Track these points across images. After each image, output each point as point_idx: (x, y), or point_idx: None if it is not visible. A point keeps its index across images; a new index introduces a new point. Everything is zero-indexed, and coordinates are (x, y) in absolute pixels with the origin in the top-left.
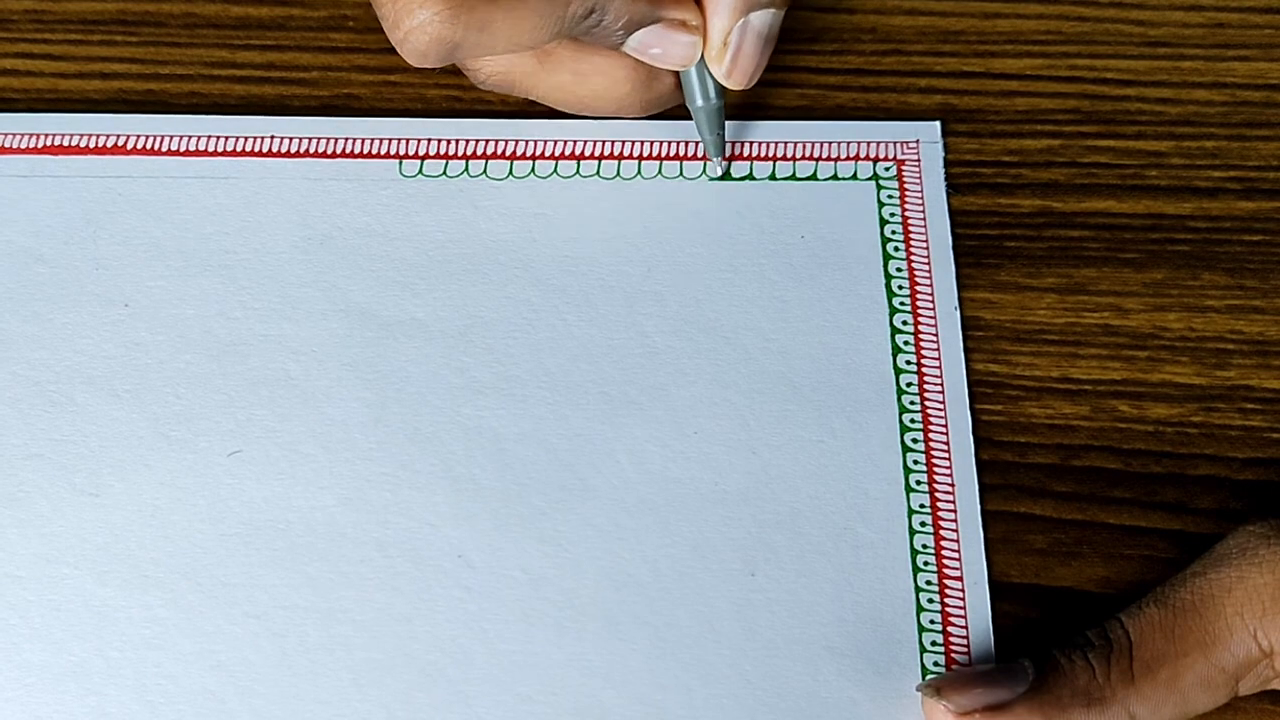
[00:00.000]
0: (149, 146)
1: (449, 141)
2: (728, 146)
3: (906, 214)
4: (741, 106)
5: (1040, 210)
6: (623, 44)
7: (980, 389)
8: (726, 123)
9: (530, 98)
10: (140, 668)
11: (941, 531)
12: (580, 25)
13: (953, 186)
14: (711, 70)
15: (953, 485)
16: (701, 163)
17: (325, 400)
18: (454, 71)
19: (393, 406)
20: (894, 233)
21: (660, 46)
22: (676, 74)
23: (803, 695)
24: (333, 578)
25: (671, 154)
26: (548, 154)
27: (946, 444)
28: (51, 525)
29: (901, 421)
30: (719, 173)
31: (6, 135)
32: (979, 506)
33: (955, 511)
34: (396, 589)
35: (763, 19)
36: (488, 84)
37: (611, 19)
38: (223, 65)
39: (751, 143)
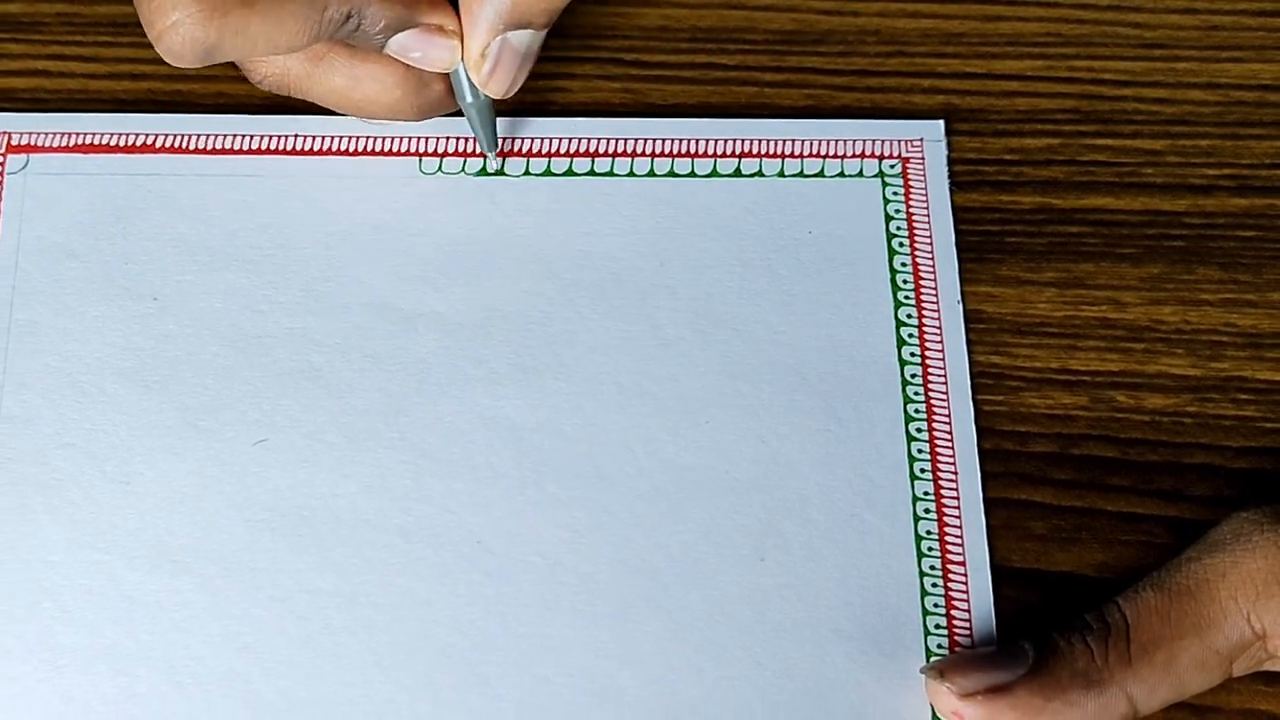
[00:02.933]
0: (177, 145)
1: (467, 140)
2: (506, 143)
3: (911, 210)
4: (751, 106)
5: (1040, 207)
6: (384, 47)
7: (982, 380)
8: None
9: (307, 99)
10: (169, 649)
11: (945, 518)
12: (340, 29)
13: (955, 184)
14: (471, 77)
15: (955, 473)
16: (712, 160)
17: (348, 391)
18: None
19: (413, 397)
20: (899, 229)
21: (420, 50)
22: (447, 78)
23: (810, 676)
24: (356, 563)
25: (683, 151)
26: (562, 151)
27: (949, 433)
28: (83, 512)
29: (906, 411)
30: (495, 167)
31: (39, 134)
32: (981, 494)
33: (958, 498)
34: (417, 574)
35: (520, 38)
36: (264, 85)
37: (369, 23)
38: None
39: (761, 140)
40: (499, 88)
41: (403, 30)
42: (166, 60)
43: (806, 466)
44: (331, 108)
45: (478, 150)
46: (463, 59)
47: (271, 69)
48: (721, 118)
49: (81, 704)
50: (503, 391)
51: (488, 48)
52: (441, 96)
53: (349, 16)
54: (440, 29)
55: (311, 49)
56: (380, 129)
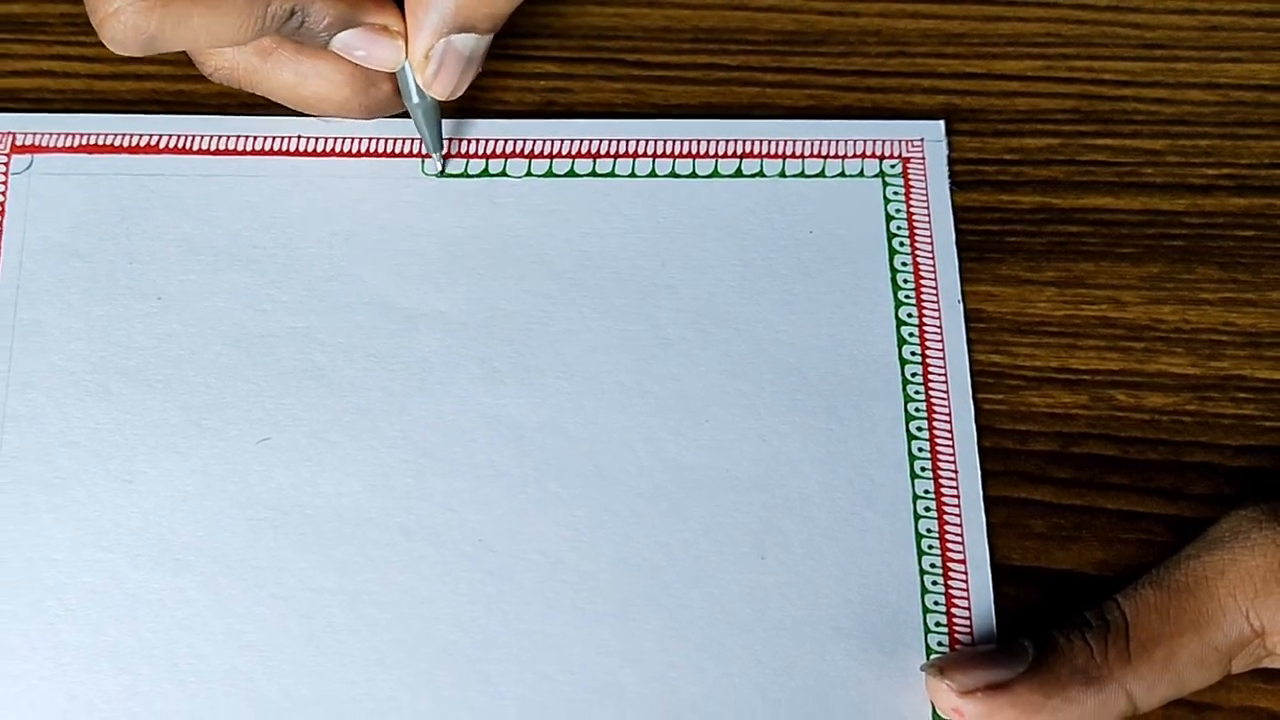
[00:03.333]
0: (181, 146)
1: (469, 141)
2: (448, 144)
3: (911, 210)
4: (753, 106)
5: (1040, 207)
6: (328, 44)
7: (982, 379)
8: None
9: (257, 94)
10: (172, 648)
11: (945, 516)
12: (284, 25)
13: (956, 184)
14: (416, 78)
15: (956, 472)
16: (714, 160)
17: (351, 390)
18: None
19: (416, 396)
20: (899, 228)
21: (364, 49)
22: (394, 78)
23: (811, 674)
24: (358, 561)
25: (685, 152)
26: (564, 153)
27: (950, 432)
28: (87, 510)
29: (906, 410)
30: (438, 169)
31: (44, 135)
32: (981, 492)
33: (958, 497)
34: (419, 572)
35: (464, 41)
36: (214, 77)
37: (313, 20)
38: None
39: (762, 140)
40: (443, 89)
41: (347, 28)
42: (109, 48)
43: (807, 465)
44: (281, 102)
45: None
46: (408, 60)
47: (220, 62)
48: (723, 118)
49: (85, 702)
50: (505, 390)
51: (431, 49)
52: (389, 96)
53: (292, 13)
54: (385, 29)
55: (259, 44)
56: (371, 129)
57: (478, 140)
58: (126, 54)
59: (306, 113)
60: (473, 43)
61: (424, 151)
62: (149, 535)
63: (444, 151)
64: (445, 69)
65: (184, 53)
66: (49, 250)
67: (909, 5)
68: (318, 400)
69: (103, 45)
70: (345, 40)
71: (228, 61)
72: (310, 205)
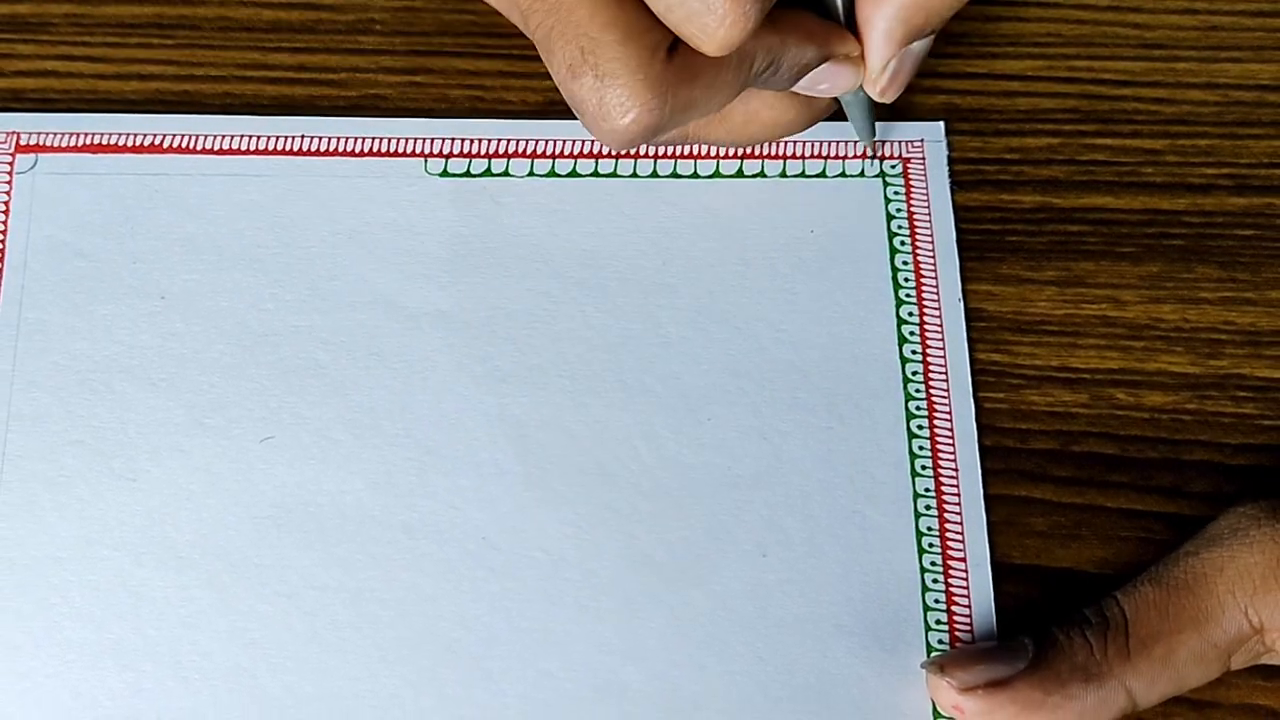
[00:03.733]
0: (184, 145)
1: (472, 140)
2: (514, 144)
3: (912, 210)
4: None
5: (1040, 206)
6: (790, 86)
7: (983, 377)
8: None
9: (701, 143)
10: (176, 645)
11: (946, 514)
12: (760, 78)
13: (956, 183)
14: (866, 89)
15: (956, 470)
16: (715, 161)
17: (354, 388)
18: (477, 73)
19: (418, 394)
20: (900, 228)
21: (829, 81)
22: None
23: (813, 671)
24: (361, 559)
25: (686, 152)
26: (567, 153)
27: (950, 430)
28: (91, 509)
29: (907, 409)
30: (873, 156)
31: (48, 134)
32: (982, 490)
33: (959, 495)
34: (422, 570)
35: (921, 44)
36: (665, 142)
37: (788, 66)
38: (255, 67)
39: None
40: (895, 95)
41: (816, 67)
42: (610, 147)
43: (808, 463)
44: (724, 146)
45: (503, 150)
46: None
47: (674, 130)
48: None
49: (89, 699)
50: (507, 389)
51: (889, 61)
52: (830, 102)
53: (771, 64)
54: (847, 57)
55: None
56: (373, 129)
57: (481, 140)
58: (631, 147)
59: (747, 144)
60: (926, 43)
61: (861, 150)
62: (153, 533)
63: (874, 141)
64: (901, 75)
65: (187, 52)
66: (53, 249)
67: None
68: (321, 399)
69: (107, 46)
70: (810, 78)
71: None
72: (313, 205)
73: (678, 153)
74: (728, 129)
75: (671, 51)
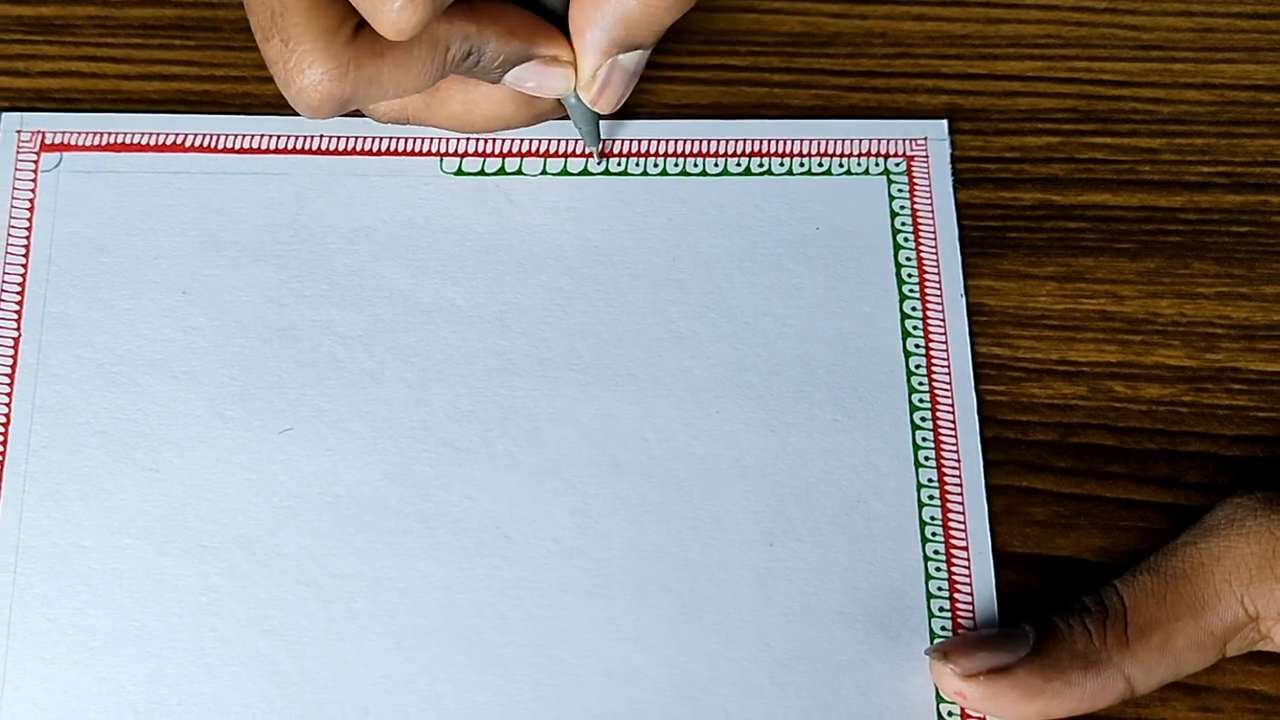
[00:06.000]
0: (205, 144)
1: (486, 140)
2: (522, 143)
3: (915, 207)
4: (761, 106)
5: (1041, 203)
6: (500, 80)
7: (984, 371)
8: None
9: (424, 126)
10: (197, 632)
11: (948, 504)
12: (460, 66)
13: (958, 181)
14: (580, 96)
15: (959, 461)
16: (723, 159)
17: (370, 381)
18: None
19: (434, 387)
20: (903, 224)
21: (535, 80)
22: None
23: (818, 658)
24: (378, 548)
25: (695, 151)
26: (578, 152)
27: (953, 422)
28: (114, 499)
29: (911, 401)
30: (597, 160)
31: (72, 134)
32: (983, 481)
33: (961, 486)
34: (438, 558)
35: (630, 59)
36: (384, 120)
37: (488, 58)
38: None
39: (770, 140)
40: (608, 105)
41: (520, 64)
42: (300, 113)
43: (814, 455)
44: (449, 131)
45: (516, 149)
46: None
47: (391, 106)
48: (732, 118)
49: (113, 684)
50: (520, 382)
51: (599, 70)
52: (552, 104)
53: (469, 53)
54: (555, 59)
55: None
56: (409, 131)
57: (495, 140)
58: (317, 118)
59: (468, 134)
60: (637, 58)
61: (585, 150)
62: (175, 523)
63: (601, 147)
64: (611, 86)
65: (208, 53)
66: (77, 246)
67: (913, 8)
68: (338, 391)
69: (129, 47)
70: (517, 74)
71: (397, 105)
72: (331, 202)
73: (687, 151)
74: (448, 115)
75: (362, 26)
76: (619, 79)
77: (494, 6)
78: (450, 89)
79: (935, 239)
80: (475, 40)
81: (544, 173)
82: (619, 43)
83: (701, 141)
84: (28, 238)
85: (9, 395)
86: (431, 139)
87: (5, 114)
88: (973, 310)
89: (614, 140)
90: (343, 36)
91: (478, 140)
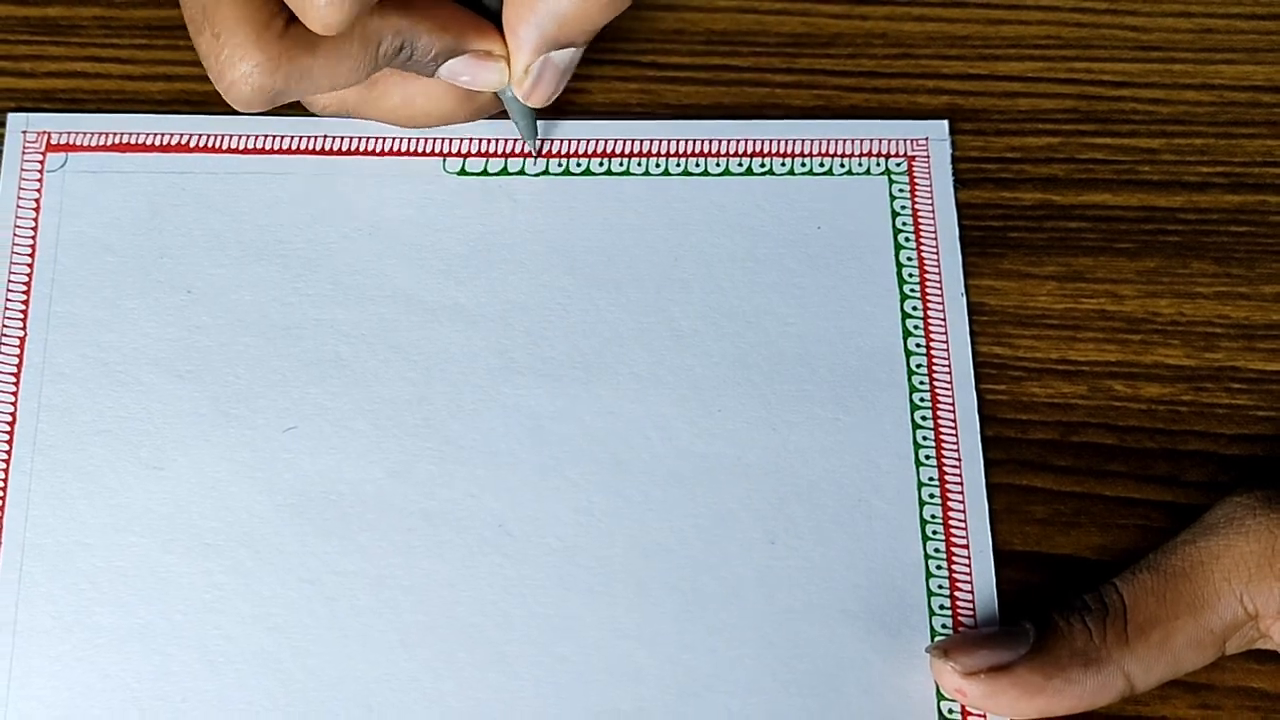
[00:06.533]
0: (210, 144)
1: (489, 141)
2: (469, 143)
3: (916, 207)
4: (763, 106)
5: (1041, 203)
6: (434, 73)
7: (985, 370)
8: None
9: (364, 119)
10: (202, 629)
11: (949, 503)
12: (393, 60)
13: (959, 181)
14: (514, 91)
15: (959, 460)
16: (725, 159)
17: (374, 380)
18: None
19: (437, 386)
20: (904, 224)
21: (469, 74)
22: None
23: (820, 656)
24: (381, 546)
25: (697, 151)
26: (581, 152)
27: (954, 421)
28: (119, 497)
29: (911, 400)
30: (534, 158)
31: (77, 134)
32: (984, 480)
33: (962, 484)
34: (441, 556)
35: (562, 56)
36: (324, 113)
37: (420, 52)
38: None
39: (772, 140)
40: (541, 100)
41: (453, 58)
42: (233, 107)
43: (816, 453)
44: (389, 124)
45: (519, 149)
46: (510, 78)
47: (329, 99)
48: (734, 118)
49: (117, 681)
50: (523, 381)
51: (531, 66)
52: (490, 99)
53: (402, 47)
54: (489, 54)
55: None
56: (411, 131)
57: (497, 140)
58: (249, 111)
59: (411, 127)
60: (569, 55)
61: (524, 149)
62: (179, 520)
63: (538, 145)
64: (544, 82)
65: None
66: (82, 245)
67: (914, 9)
68: (342, 390)
69: (134, 48)
70: (451, 68)
71: (336, 98)
72: (335, 202)
73: (689, 151)
74: (387, 108)
75: (293, 20)
76: (551, 75)
77: (428, 0)
78: (388, 83)
79: (936, 239)
80: (407, 35)
81: (546, 172)
82: (552, 40)
83: (703, 141)
84: (34, 237)
85: (15, 394)
86: (435, 139)
87: (11, 114)
88: (973, 309)
89: (620, 140)
90: (274, 30)
91: (480, 140)
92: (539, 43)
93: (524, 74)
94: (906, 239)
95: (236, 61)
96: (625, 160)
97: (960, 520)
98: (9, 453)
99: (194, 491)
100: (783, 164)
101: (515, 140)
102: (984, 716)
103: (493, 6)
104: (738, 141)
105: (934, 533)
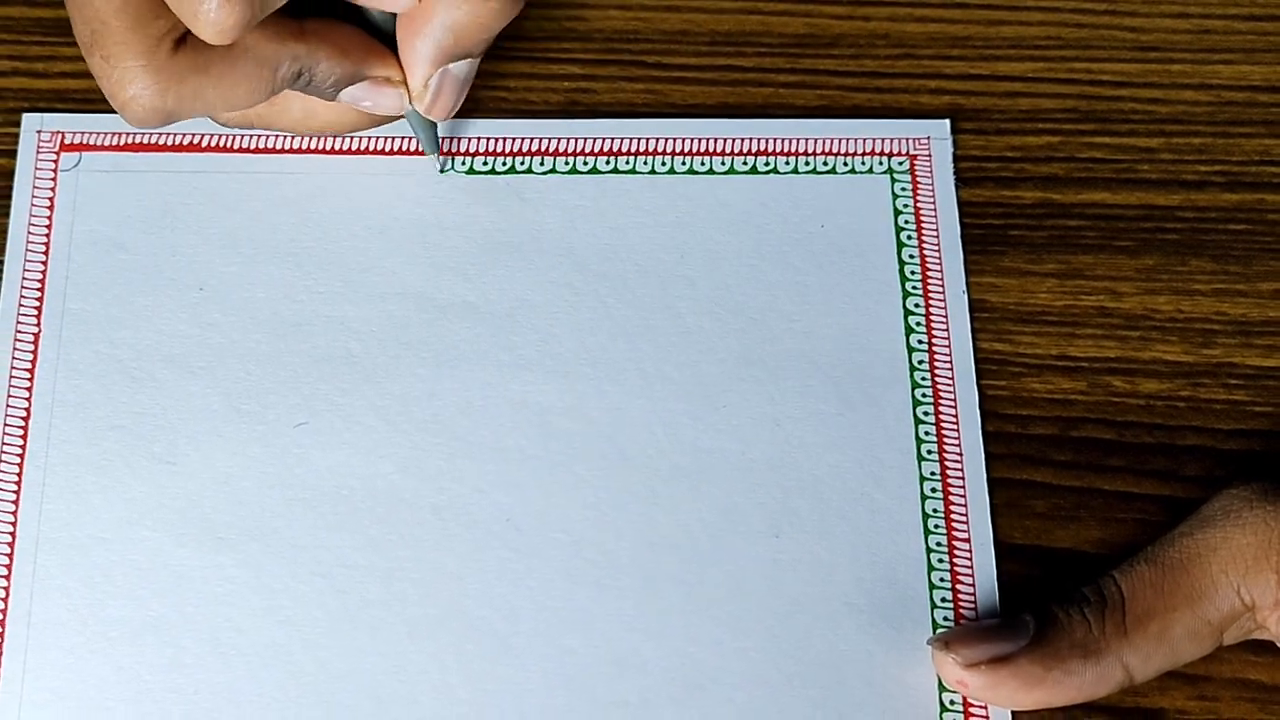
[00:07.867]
0: (221, 144)
1: (497, 139)
2: (539, 143)
3: (918, 205)
4: (767, 106)
5: (1041, 202)
6: (335, 98)
7: (986, 366)
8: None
9: (269, 131)
10: (214, 622)
11: (950, 497)
12: (292, 85)
13: (960, 180)
14: (416, 108)
15: (961, 455)
16: (730, 158)
17: (384, 376)
18: (500, 74)
19: (446, 382)
20: (907, 222)
21: (370, 100)
22: None
23: (823, 648)
24: (391, 539)
25: (702, 150)
26: (587, 150)
27: (955, 417)
28: (132, 491)
29: (914, 396)
30: (438, 167)
31: (91, 134)
32: (985, 474)
33: (963, 479)
34: (450, 550)
35: (460, 67)
36: (228, 126)
37: (320, 79)
38: None
39: (776, 139)
40: (441, 114)
41: (352, 84)
42: (128, 123)
43: (819, 448)
44: (294, 134)
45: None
46: (409, 94)
47: (231, 115)
48: (738, 117)
49: (130, 673)
50: (531, 377)
51: (430, 80)
52: None
53: (299, 74)
54: (387, 80)
55: None
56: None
57: (505, 139)
58: (148, 129)
59: (314, 135)
60: (466, 67)
61: (724, 150)
62: (192, 515)
63: (439, 152)
64: (444, 95)
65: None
66: (96, 244)
67: (916, 9)
68: (352, 386)
69: None
70: (351, 94)
71: (237, 113)
72: (346, 201)
73: (694, 150)
74: (290, 121)
75: (183, 42)
76: (450, 87)
77: (325, 26)
78: (289, 97)
79: (938, 236)
80: (305, 61)
81: (553, 171)
82: (448, 52)
83: (709, 141)
84: (48, 236)
85: (30, 390)
86: (443, 138)
87: (25, 115)
88: (974, 306)
89: (626, 139)
90: (163, 52)
91: (488, 139)
92: (435, 56)
93: (423, 89)
94: (909, 237)
95: (126, 84)
96: (632, 159)
97: (961, 514)
98: (24, 447)
99: (206, 486)
100: (787, 163)
101: (523, 139)
102: (985, 708)
103: (386, 27)
104: (742, 141)
105: (936, 526)
